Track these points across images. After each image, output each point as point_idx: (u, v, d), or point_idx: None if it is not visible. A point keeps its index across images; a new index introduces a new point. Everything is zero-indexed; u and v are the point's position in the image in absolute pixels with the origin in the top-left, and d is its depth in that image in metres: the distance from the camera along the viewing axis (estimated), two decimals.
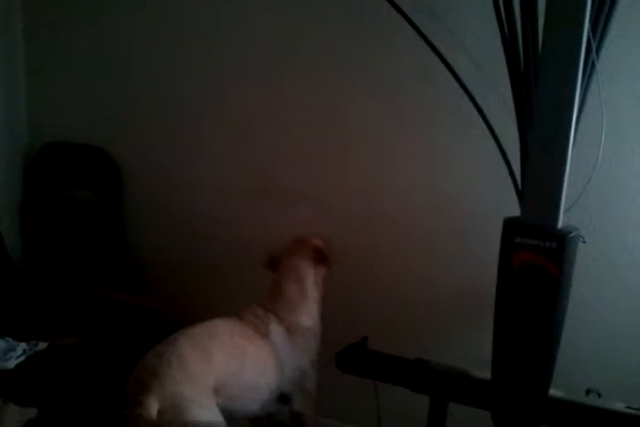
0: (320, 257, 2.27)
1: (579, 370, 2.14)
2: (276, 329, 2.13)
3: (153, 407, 1.70)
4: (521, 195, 1.84)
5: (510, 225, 1.74)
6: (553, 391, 1.86)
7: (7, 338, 2.37)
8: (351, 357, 2.19)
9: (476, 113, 1.93)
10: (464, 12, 2.20)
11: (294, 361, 2.14)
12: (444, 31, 2.08)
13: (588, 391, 1.94)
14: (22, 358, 2.28)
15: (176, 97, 2.81)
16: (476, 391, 1.98)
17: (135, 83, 2.90)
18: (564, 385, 1.90)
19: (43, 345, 2.36)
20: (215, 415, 1.80)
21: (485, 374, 1.91)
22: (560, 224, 1.69)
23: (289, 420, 2.22)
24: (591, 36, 1.64)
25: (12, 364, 2.25)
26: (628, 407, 1.86)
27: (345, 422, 2.69)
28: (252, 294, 2.24)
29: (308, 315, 2.22)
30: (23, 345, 2.34)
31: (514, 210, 1.81)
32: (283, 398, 2.14)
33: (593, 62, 1.69)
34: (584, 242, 1.76)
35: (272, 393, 2.09)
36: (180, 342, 1.88)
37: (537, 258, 1.69)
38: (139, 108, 2.91)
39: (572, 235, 1.68)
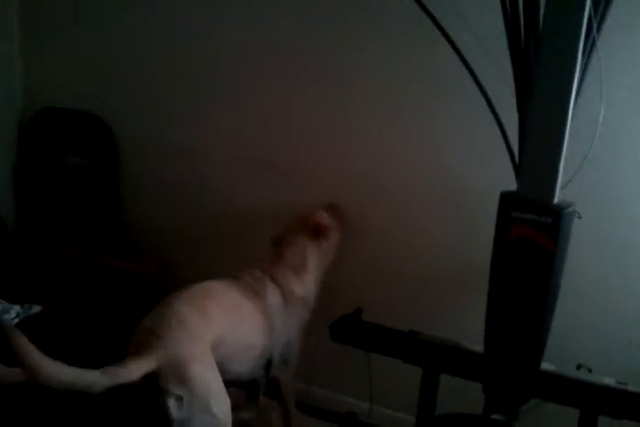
0: (319, 232, 2.30)
1: (570, 345, 2.15)
2: (272, 292, 2.17)
3: (152, 364, 1.68)
4: (518, 170, 1.84)
5: (506, 199, 1.75)
6: (544, 365, 1.88)
7: (1, 300, 2.38)
8: (345, 327, 2.21)
9: (475, 88, 1.92)
10: None
11: (285, 327, 2.17)
12: (446, 4, 2.05)
13: (579, 366, 1.97)
14: (16, 321, 2.30)
15: (177, 66, 2.78)
16: (468, 364, 2.00)
17: (134, 49, 2.87)
18: (556, 360, 1.92)
19: (36, 308, 2.37)
20: (215, 375, 1.81)
21: (478, 346, 1.94)
22: (556, 200, 1.70)
23: (265, 385, 2.27)
24: (592, 13, 1.62)
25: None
26: (618, 382, 1.88)
27: (337, 392, 2.71)
28: (247, 264, 2.25)
29: (304, 286, 2.26)
30: (17, 308, 2.35)
31: (511, 186, 1.81)
32: (268, 363, 2.17)
33: (594, 39, 1.68)
34: (579, 218, 1.77)
35: (262, 355, 2.11)
36: (178, 303, 1.89)
37: (532, 232, 1.70)
38: (137, 75, 2.89)
39: (567, 210, 1.69)
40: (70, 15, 2.95)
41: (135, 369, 1.65)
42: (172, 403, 1.69)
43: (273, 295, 2.17)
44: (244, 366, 2.06)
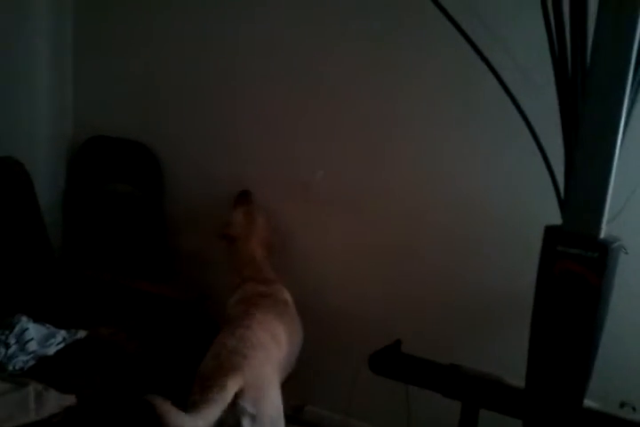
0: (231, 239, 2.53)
1: (613, 383, 2.11)
2: (286, 294, 2.37)
3: (234, 389, 1.75)
4: (563, 203, 1.83)
5: (552, 233, 1.74)
6: (587, 402, 1.84)
7: (48, 325, 2.41)
8: (384, 359, 2.19)
9: (520, 120, 1.92)
10: (512, 18, 2.18)
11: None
12: (490, 35, 2.07)
13: (622, 404, 1.92)
14: (62, 346, 2.32)
15: (224, 97, 2.82)
16: (508, 399, 1.97)
17: (179, 81, 2.93)
18: (599, 397, 1.88)
19: (82, 333, 2.39)
20: (280, 398, 1.91)
21: (519, 381, 1.91)
22: (603, 234, 1.69)
23: None
24: None
25: (51, 351, 2.28)
26: None
27: (375, 425, 2.69)
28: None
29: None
30: (63, 333, 2.37)
31: (553, 218, 1.80)
32: None
33: None
34: (626, 253, 1.75)
35: None
36: (256, 327, 2.01)
37: (578, 267, 1.68)
38: (183, 105, 2.94)
39: (614, 245, 1.67)
40: (119, 46, 3.03)
41: (232, 390, 1.74)
42: (246, 422, 1.76)
43: (287, 295, 2.37)
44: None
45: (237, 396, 1.75)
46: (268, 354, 1.94)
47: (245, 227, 2.54)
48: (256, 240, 2.52)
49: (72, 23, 3.09)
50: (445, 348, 2.36)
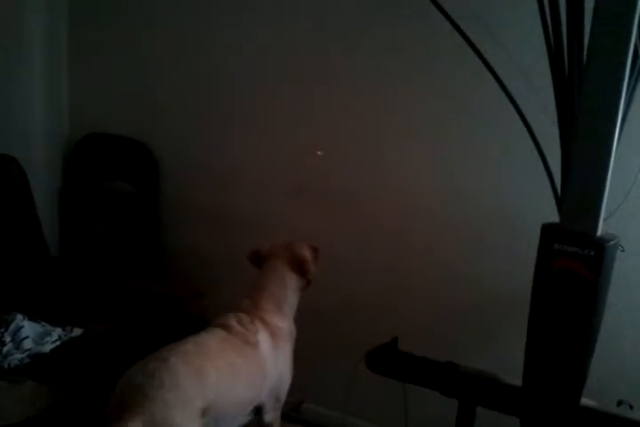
0: (301, 269, 2.24)
1: (611, 381, 2.11)
2: (263, 338, 2.07)
3: None
4: (560, 201, 1.83)
5: (548, 231, 1.74)
6: (584, 401, 1.84)
7: (43, 323, 2.41)
8: (381, 357, 2.19)
9: (518, 119, 1.92)
10: (510, 19, 2.19)
11: (276, 368, 2.09)
12: (489, 36, 2.06)
13: (619, 403, 1.92)
14: (57, 343, 2.32)
15: (219, 95, 2.83)
16: (505, 397, 1.97)
17: (177, 79, 2.93)
18: (596, 395, 1.87)
19: (77, 331, 2.39)
20: None
21: (516, 379, 1.91)
22: (599, 232, 1.68)
23: None
24: (638, 44, 1.62)
25: (47, 348, 2.28)
26: None
27: (372, 423, 2.69)
28: None
29: (287, 318, 2.20)
30: (58, 330, 2.37)
31: (550, 217, 1.79)
32: (257, 409, 2.08)
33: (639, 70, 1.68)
34: (622, 251, 1.75)
35: (253, 405, 2.03)
36: (173, 360, 1.76)
37: (574, 265, 1.68)
38: (179, 103, 2.95)
39: (611, 243, 1.67)
40: (115, 44, 3.03)
41: None
42: None
43: (264, 341, 2.07)
44: (235, 421, 1.99)
45: None
46: (181, 394, 1.68)
47: (281, 250, 2.28)
48: (285, 262, 2.24)
49: (68, 20, 3.10)
50: (442, 346, 2.37)
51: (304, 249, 2.28)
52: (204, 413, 1.75)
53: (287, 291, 2.21)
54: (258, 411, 2.08)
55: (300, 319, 2.30)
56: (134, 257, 2.99)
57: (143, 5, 2.94)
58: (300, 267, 2.24)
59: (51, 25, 3.03)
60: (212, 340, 1.97)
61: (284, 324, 2.18)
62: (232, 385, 1.91)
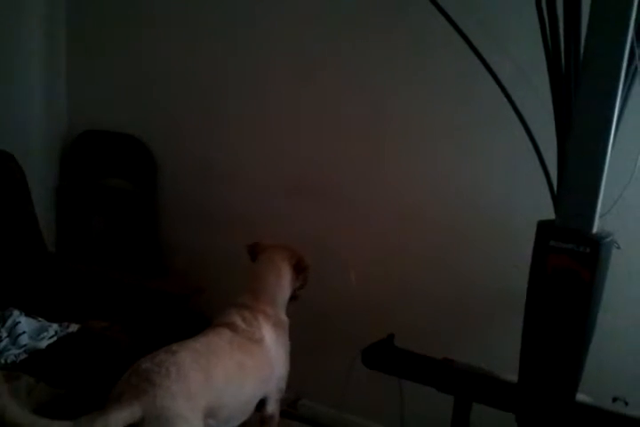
0: (299, 266, 2.27)
1: (607, 377, 2.12)
2: (268, 332, 2.10)
3: (136, 414, 1.59)
4: (556, 198, 1.83)
5: (544, 228, 1.75)
6: (580, 397, 1.85)
7: (40, 319, 2.41)
8: (377, 353, 2.19)
9: (514, 117, 1.92)
10: (507, 17, 2.19)
11: (281, 361, 2.13)
12: (486, 33, 2.06)
13: (615, 399, 1.92)
14: (54, 339, 2.31)
15: (218, 91, 2.83)
16: (501, 393, 1.97)
17: (175, 76, 2.93)
18: (591, 392, 1.88)
19: (74, 327, 2.39)
20: None
21: (512, 376, 1.91)
22: (595, 229, 1.69)
23: (257, 424, 2.16)
24: (635, 41, 1.62)
25: (43, 344, 2.28)
26: None
27: (368, 419, 2.70)
28: None
29: (284, 309, 2.23)
30: (55, 326, 2.37)
31: (547, 213, 1.80)
32: (260, 401, 2.10)
33: (636, 68, 1.68)
34: (618, 248, 1.75)
35: (259, 399, 2.06)
36: (183, 353, 1.79)
37: (570, 262, 1.69)
38: (177, 99, 2.95)
39: (606, 240, 1.67)
40: (113, 41, 3.03)
41: (115, 421, 1.55)
42: None
43: (269, 335, 2.09)
44: (243, 417, 2.01)
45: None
46: (186, 386, 1.69)
47: (281, 246, 2.31)
48: (285, 256, 2.27)
49: (66, 18, 3.09)
50: (438, 342, 2.36)
51: (303, 253, 2.31)
52: (209, 414, 1.76)
53: (283, 281, 2.23)
54: (261, 403, 2.10)
55: (297, 316, 2.31)
56: (131, 254, 3.00)
57: (141, 2, 2.93)
58: (297, 263, 2.27)
59: (49, 22, 3.03)
60: (221, 341, 1.98)
61: (283, 315, 2.22)
62: (241, 386, 1.94)
